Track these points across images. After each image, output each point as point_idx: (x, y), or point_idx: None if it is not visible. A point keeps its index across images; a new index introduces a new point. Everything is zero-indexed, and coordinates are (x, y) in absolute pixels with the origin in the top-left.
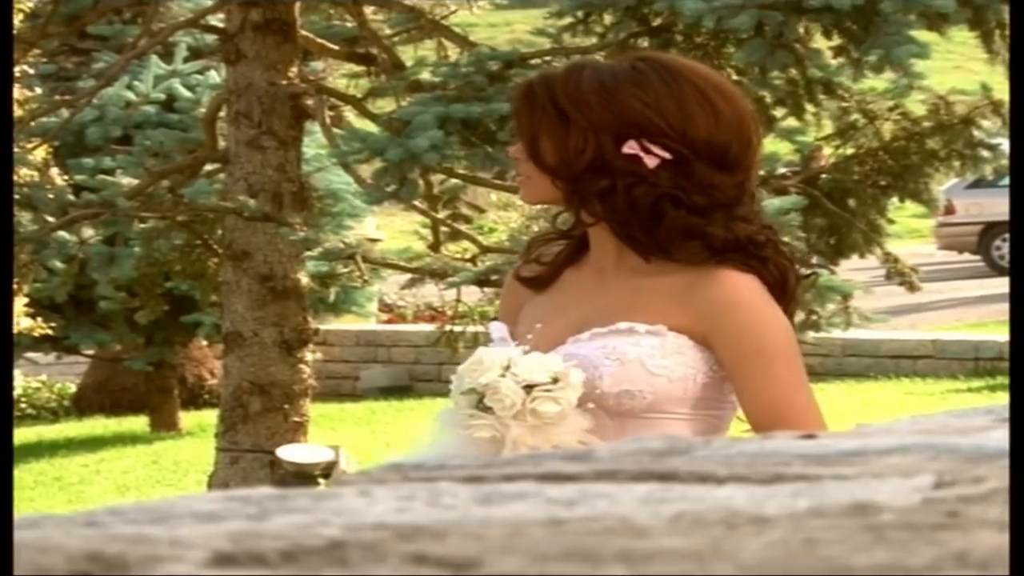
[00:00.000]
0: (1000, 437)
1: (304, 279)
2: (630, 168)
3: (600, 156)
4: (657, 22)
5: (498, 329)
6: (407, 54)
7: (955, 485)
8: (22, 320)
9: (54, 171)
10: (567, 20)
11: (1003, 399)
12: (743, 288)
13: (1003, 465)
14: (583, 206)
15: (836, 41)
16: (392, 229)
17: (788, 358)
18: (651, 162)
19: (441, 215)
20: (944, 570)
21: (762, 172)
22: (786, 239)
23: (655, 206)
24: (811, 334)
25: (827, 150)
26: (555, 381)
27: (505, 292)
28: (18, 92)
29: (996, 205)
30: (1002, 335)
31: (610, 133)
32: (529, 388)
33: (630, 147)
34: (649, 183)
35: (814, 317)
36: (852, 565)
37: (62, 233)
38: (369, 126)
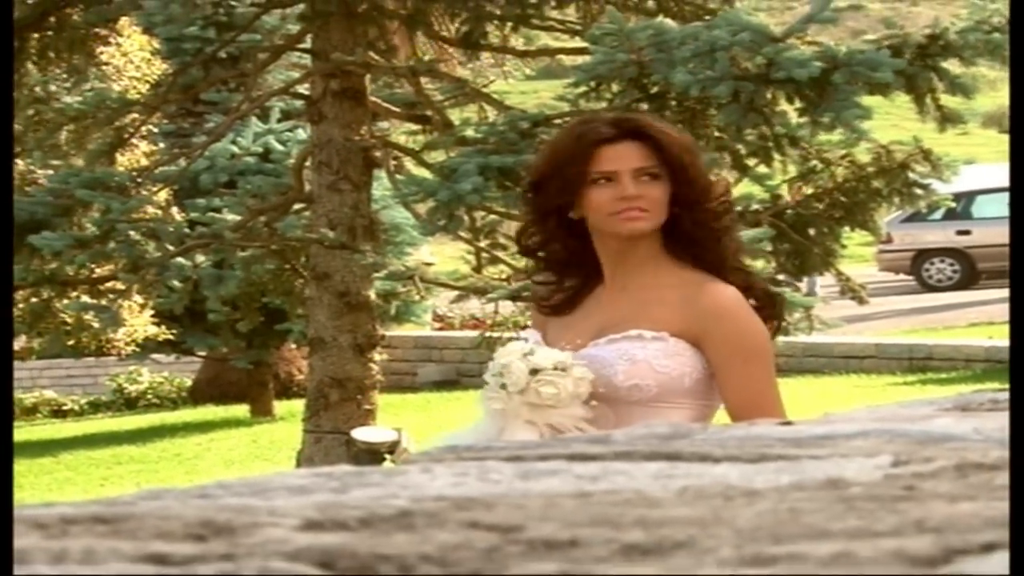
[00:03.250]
0: (943, 424)
1: (373, 295)
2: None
3: (712, 186)
4: (654, 90)
5: (534, 335)
6: (455, 115)
7: (909, 463)
8: (149, 328)
9: (174, 210)
10: (582, 88)
11: (934, 392)
12: (729, 299)
13: (949, 447)
14: (690, 229)
15: (797, 105)
16: (443, 255)
17: (764, 360)
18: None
19: (482, 244)
20: (905, 535)
21: (739, 208)
22: (759, 262)
23: (732, 227)
24: (780, 338)
25: (791, 189)
26: (557, 369)
27: (533, 314)
28: (145, 146)
29: (926, 235)
30: (931, 339)
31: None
32: (535, 372)
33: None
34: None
35: (783, 324)
36: (829, 530)
37: (180, 259)
38: (424, 173)
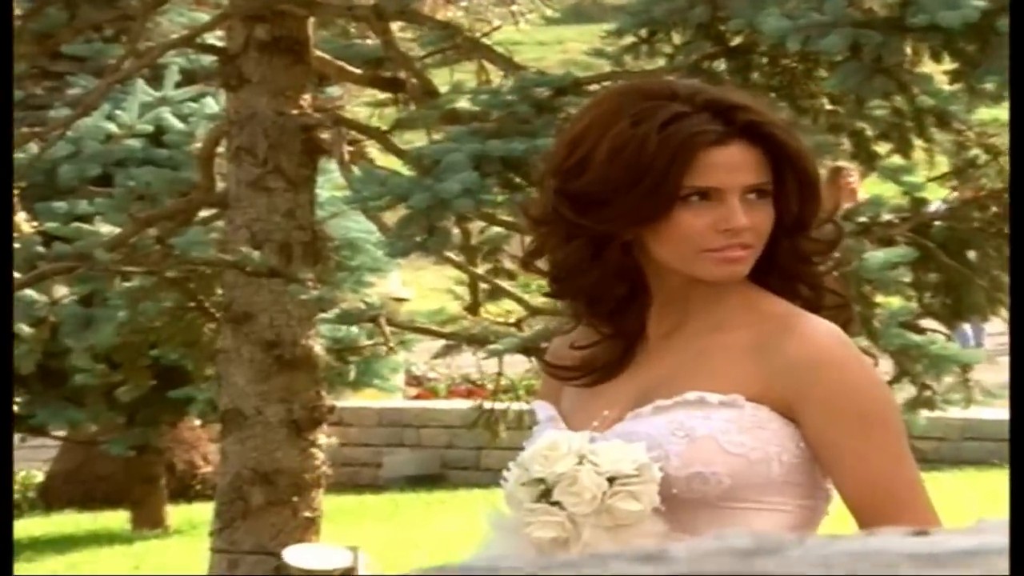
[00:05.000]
0: None
1: (317, 347)
2: None
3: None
4: (735, 42)
5: (545, 409)
6: (440, 78)
7: None
8: None
9: (20, 216)
10: (628, 39)
11: None
12: (830, 340)
13: None
14: (786, 263)
15: (949, 65)
16: (421, 286)
17: (890, 424)
18: None
19: (480, 270)
20: None
21: (864, 219)
22: (895, 299)
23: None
24: (924, 413)
25: (941, 192)
26: (638, 474)
27: (545, 380)
28: None
29: None
30: None
31: None
32: (611, 480)
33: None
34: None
35: (928, 393)
36: None
37: (29, 291)
38: (395, 164)
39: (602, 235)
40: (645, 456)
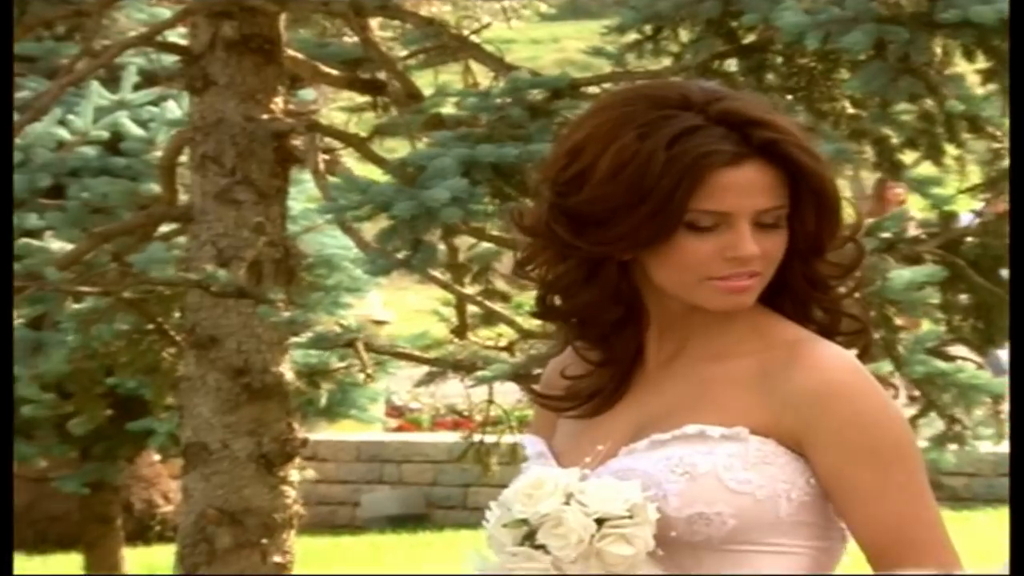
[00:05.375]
0: None
1: (289, 374)
2: None
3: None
4: (749, 39)
5: (534, 444)
6: (424, 80)
7: None
8: None
9: None
10: (631, 37)
11: None
12: (842, 368)
13: None
14: (800, 287)
15: (982, 64)
16: (403, 308)
17: (907, 459)
18: None
19: (468, 290)
20: None
21: (888, 234)
22: (925, 323)
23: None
24: (953, 448)
25: (973, 205)
26: (631, 515)
27: (536, 412)
28: None
29: None
30: None
31: None
32: (600, 522)
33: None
34: None
35: (957, 427)
36: None
37: None
38: (375, 173)
39: (598, 256)
40: (639, 495)
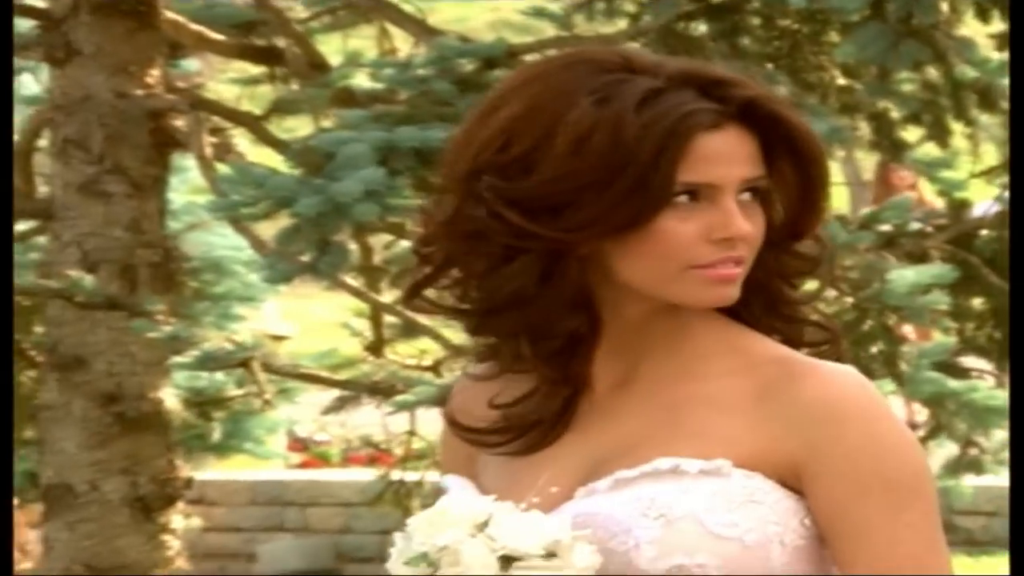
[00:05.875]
0: None
1: (171, 401)
2: None
3: None
4: None
5: (461, 487)
6: (331, 47)
7: None
8: None
9: None
10: None
11: None
12: (852, 387)
13: None
14: (763, 277)
15: (997, 27)
16: (308, 320)
17: (924, 497)
18: None
19: (386, 298)
20: None
21: (887, 227)
22: (937, 333)
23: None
24: (970, 479)
25: (988, 192)
26: (550, 555)
27: (447, 435)
28: None
29: None
30: None
31: None
32: (508, 561)
33: None
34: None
35: (973, 451)
36: None
37: None
38: (273, 160)
39: (554, 251)
40: (567, 533)
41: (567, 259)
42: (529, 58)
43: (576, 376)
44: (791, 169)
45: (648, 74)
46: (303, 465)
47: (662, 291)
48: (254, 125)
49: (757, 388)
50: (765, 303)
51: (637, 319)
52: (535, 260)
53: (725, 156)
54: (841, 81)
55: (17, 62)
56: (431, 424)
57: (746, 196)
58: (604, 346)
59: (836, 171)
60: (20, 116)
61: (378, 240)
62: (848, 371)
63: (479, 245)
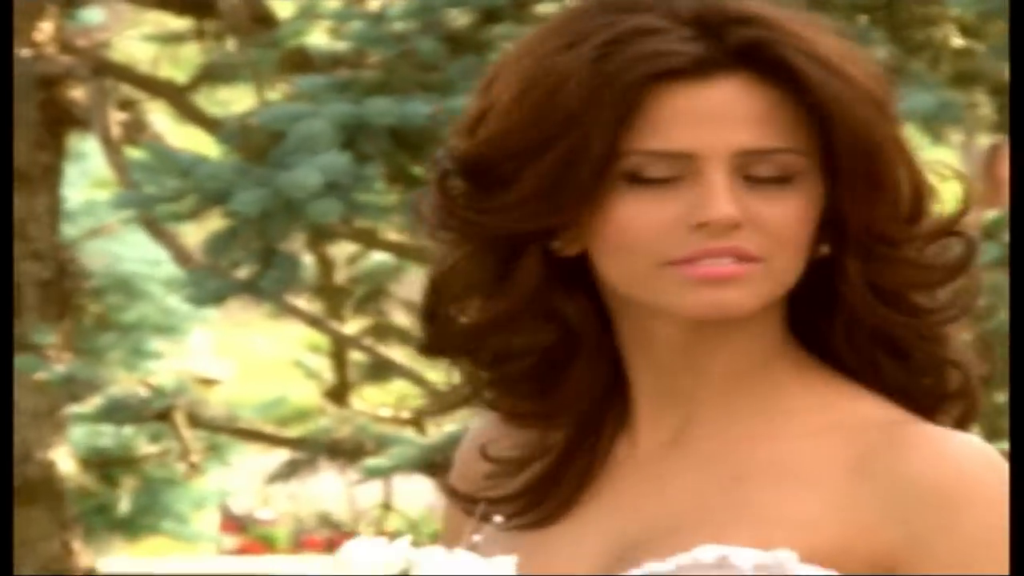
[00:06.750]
0: None
1: (65, 462)
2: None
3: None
4: None
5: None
6: None
7: None
8: None
9: None
10: None
11: None
12: (979, 461)
13: None
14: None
15: None
16: (248, 357)
17: None
18: None
19: (349, 328)
20: None
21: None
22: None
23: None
24: None
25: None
26: None
27: (449, 504)
28: None
29: None
30: None
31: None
32: None
33: None
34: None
35: None
36: None
37: None
38: (201, 142)
39: (505, 236)
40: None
41: (528, 252)
42: (540, 8)
43: (583, 417)
44: (838, 145)
45: (660, 12)
46: (241, 550)
47: (643, 296)
48: (176, 96)
49: (851, 458)
50: (849, 333)
51: (678, 346)
52: (487, 249)
53: (706, 115)
54: (957, 41)
55: None
56: (412, 496)
57: (761, 174)
58: (643, 385)
59: (952, 158)
60: None
61: (340, 250)
62: (970, 441)
63: (440, 234)
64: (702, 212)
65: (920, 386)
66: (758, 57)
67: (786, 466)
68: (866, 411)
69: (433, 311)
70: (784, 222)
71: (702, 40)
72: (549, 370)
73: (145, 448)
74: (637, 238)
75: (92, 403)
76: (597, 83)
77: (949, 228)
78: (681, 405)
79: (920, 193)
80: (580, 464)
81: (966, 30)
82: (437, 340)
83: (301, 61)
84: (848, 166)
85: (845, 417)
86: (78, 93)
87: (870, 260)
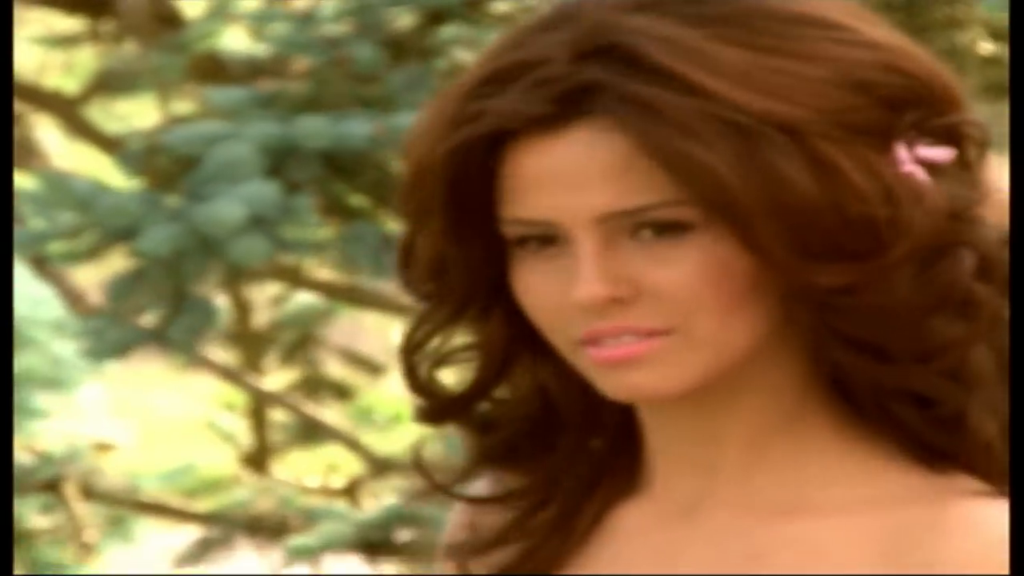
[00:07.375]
0: None
1: None
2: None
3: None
4: None
5: None
6: None
7: None
8: None
9: None
10: None
11: None
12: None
13: None
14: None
15: None
16: (152, 418)
17: None
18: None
19: (270, 382)
20: None
21: None
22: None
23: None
24: None
25: None
26: None
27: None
28: None
29: None
30: None
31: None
32: None
33: (901, 154)
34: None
35: None
36: None
37: None
38: (96, 164)
39: (461, 303)
40: None
41: (492, 313)
42: (497, 6)
43: (580, 484)
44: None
45: (562, 27)
46: None
47: (587, 375)
48: (66, 109)
49: (884, 539)
50: (862, 385)
51: (683, 412)
52: (456, 310)
53: (561, 176)
54: (986, 47)
55: None
56: None
57: (647, 233)
58: (656, 446)
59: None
60: None
61: (260, 291)
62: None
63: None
64: (573, 292)
65: (951, 440)
66: (603, 103)
67: (811, 545)
68: (903, 482)
69: (415, 380)
70: (681, 283)
71: (548, 86)
72: (535, 439)
73: (30, 523)
74: (539, 315)
75: None
76: (451, 159)
77: (948, 242)
78: (699, 475)
79: (896, 205)
80: (580, 531)
81: (996, 35)
82: (429, 409)
83: (214, 69)
84: (736, 222)
85: (879, 491)
86: None
87: (832, 312)
